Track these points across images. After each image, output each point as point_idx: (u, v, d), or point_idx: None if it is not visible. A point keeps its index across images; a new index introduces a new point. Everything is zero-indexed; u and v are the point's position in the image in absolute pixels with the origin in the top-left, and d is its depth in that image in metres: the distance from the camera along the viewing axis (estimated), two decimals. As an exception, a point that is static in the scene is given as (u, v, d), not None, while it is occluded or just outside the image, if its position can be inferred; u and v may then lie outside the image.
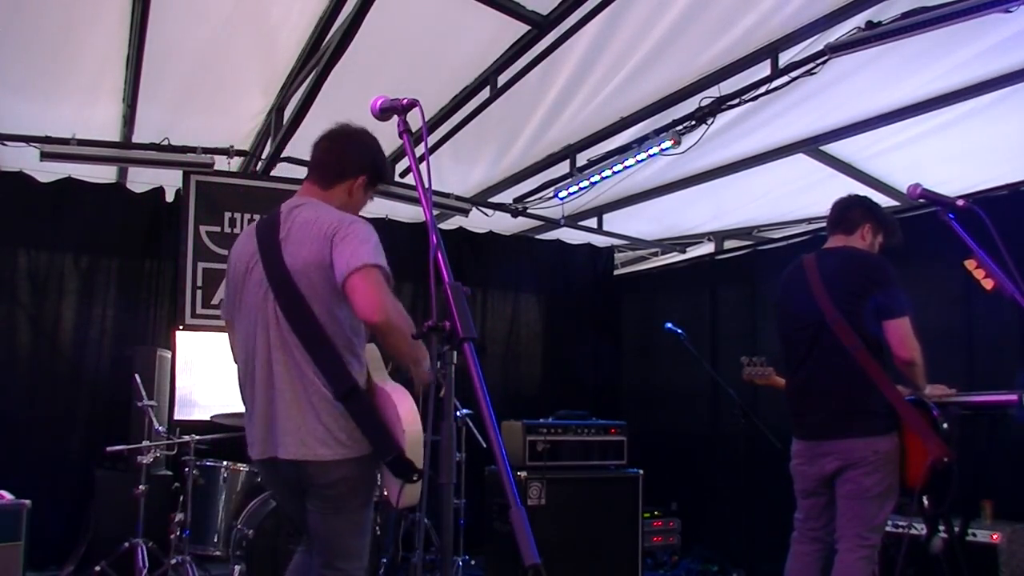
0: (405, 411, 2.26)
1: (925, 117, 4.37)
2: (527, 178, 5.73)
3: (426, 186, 1.82)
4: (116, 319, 5.57)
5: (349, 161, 2.51)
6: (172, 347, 5.18)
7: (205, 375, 5.01)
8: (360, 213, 2.62)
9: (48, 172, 5.24)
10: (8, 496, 3.87)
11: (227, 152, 5.11)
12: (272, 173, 5.37)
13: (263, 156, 5.19)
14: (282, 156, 5.07)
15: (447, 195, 5.87)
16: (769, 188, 5.65)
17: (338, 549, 2.38)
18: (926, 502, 3.19)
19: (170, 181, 5.53)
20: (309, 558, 2.51)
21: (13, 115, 4.61)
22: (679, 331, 5.10)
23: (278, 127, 4.68)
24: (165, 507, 4.50)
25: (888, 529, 3.26)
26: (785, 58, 3.97)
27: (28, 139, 4.70)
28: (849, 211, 3.35)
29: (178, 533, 4.26)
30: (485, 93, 4.37)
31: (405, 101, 1.94)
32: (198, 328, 5.17)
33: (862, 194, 3.55)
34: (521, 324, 7.15)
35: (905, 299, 3.08)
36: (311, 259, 2.29)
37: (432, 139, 4.80)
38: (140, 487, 4.29)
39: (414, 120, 1.93)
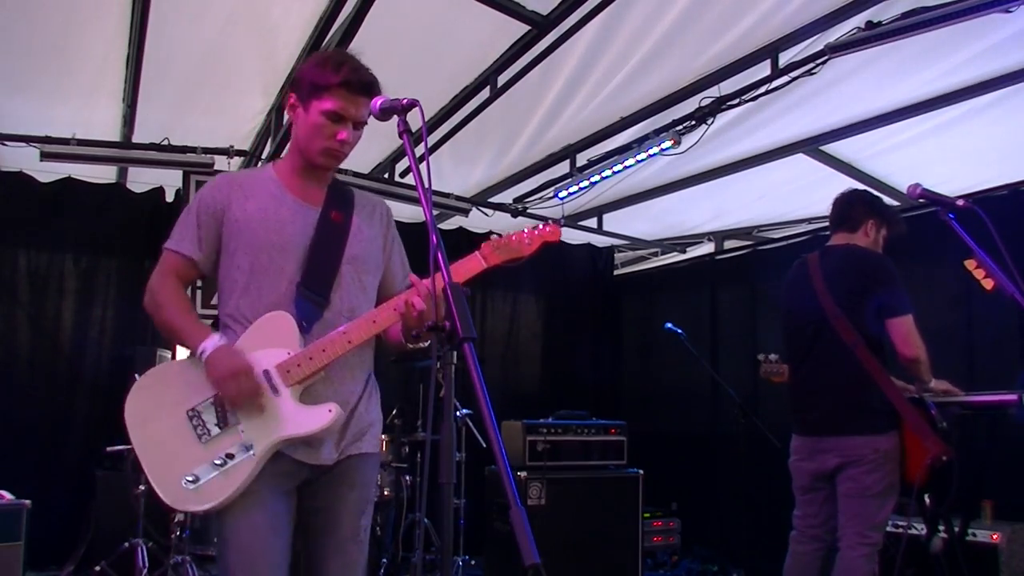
0: (136, 383, 2.09)
1: (925, 117, 4.37)
2: (527, 178, 5.73)
3: (426, 186, 1.82)
4: (116, 319, 5.57)
5: None
6: (172, 347, 5.17)
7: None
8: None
9: (48, 172, 5.24)
10: (8, 496, 3.87)
11: (227, 152, 5.11)
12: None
13: (263, 156, 5.19)
14: (282, 156, 5.07)
15: (447, 195, 5.87)
16: (769, 188, 5.65)
17: None
18: (928, 500, 3.20)
19: (170, 181, 5.53)
20: None
21: (13, 115, 4.61)
22: (679, 331, 5.11)
23: (278, 127, 4.68)
24: (165, 507, 4.49)
25: (888, 529, 3.26)
26: (785, 58, 3.97)
27: (28, 139, 4.70)
28: (851, 208, 3.35)
29: (178, 533, 4.26)
30: (485, 93, 4.37)
31: (405, 101, 1.94)
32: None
33: (861, 189, 3.55)
34: (521, 324, 7.16)
35: (907, 297, 3.09)
36: None
37: (432, 139, 4.80)
38: (140, 487, 4.29)
39: (414, 120, 1.93)
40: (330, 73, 2.09)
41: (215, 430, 2.01)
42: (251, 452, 1.99)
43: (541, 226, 2.28)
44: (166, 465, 1.98)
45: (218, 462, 1.98)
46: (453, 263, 2.07)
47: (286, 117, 4.54)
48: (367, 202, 2.30)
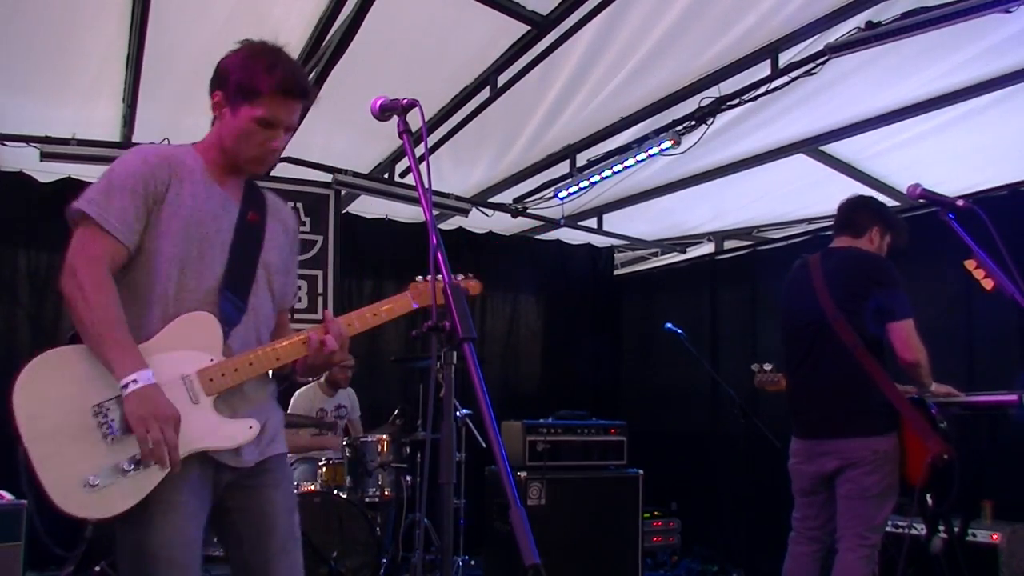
0: (33, 360, 1.83)
1: (925, 117, 4.37)
2: (527, 178, 5.73)
3: (426, 186, 1.82)
4: (116, 319, 5.55)
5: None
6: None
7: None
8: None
9: (48, 172, 5.24)
10: (8, 496, 3.87)
11: (227, 152, 5.11)
12: (272, 173, 5.37)
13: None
14: (282, 156, 5.07)
15: (447, 195, 5.87)
16: (769, 188, 5.65)
17: None
18: (929, 500, 3.20)
19: (170, 181, 5.52)
20: None
21: (13, 115, 4.61)
22: (679, 331, 5.11)
23: (278, 127, 4.68)
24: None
25: (888, 529, 3.27)
26: (785, 58, 3.97)
27: (28, 139, 4.70)
28: (857, 214, 3.35)
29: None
30: (485, 93, 4.37)
31: (405, 101, 1.93)
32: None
33: (868, 195, 3.55)
34: (521, 324, 7.16)
35: (908, 301, 3.09)
36: None
37: (432, 139, 4.80)
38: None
39: (414, 120, 1.93)
40: (262, 75, 1.93)
41: (121, 431, 1.79)
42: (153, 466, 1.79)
43: (466, 278, 2.38)
44: (63, 464, 1.73)
45: (126, 466, 1.78)
46: (384, 302, 2.18)
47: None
48: (278, 208, 2.18)
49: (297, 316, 5.28)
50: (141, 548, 1.83)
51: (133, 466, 1.79)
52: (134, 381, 1.76)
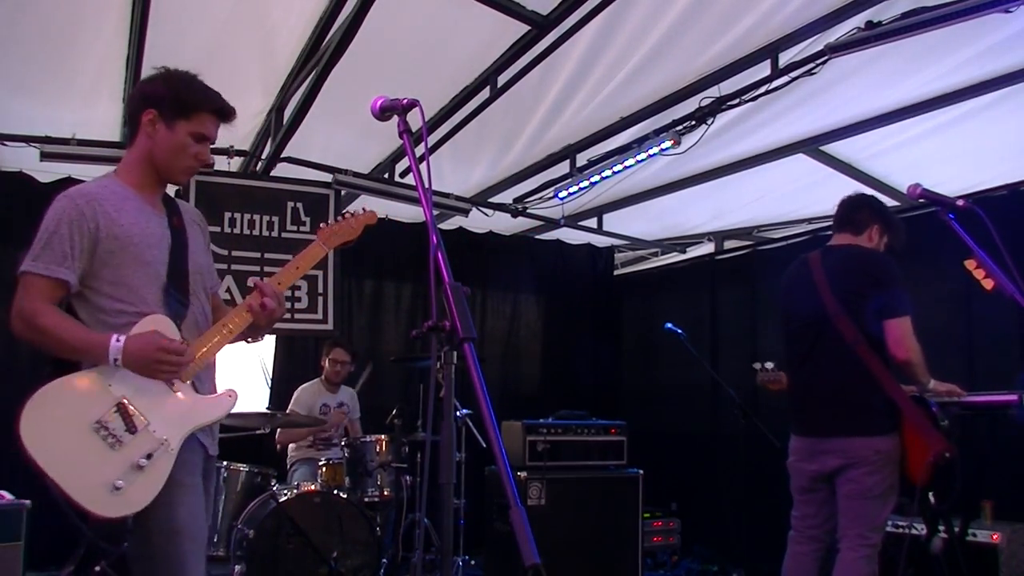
0: (27, 405, 2.04)
1: (925, 117, 4.37)
2: (527, 178, 5.73)
3: (426, 186, 1.82)
4: (116, 319, 5.56)
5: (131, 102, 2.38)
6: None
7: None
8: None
9: (48, 172, 5.23)
10: (8, 496, 3.87)
11: (227, 152, 5.11)
12: (272, 173, 5.37)
13: (263, 156, 5.19)
14: (282, 156, 5.07)
15: (447, 195, 5.87)
16: (769, 188, 5.65)
17: None
18: (932, 498, 3.20)
19: (170, 181, 5.53)
20: None
21: (13, 115, 4.61)
22: (679, 331, 5.11)
23: (278, 127, 4.68)
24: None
25: (888, 529, 3.26)
26: (785, 58, 3.97)
27: (28, 139, 4.70)
28: (858, 212, 3.35)
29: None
30: (485, 93, 4.37)
31: (405, 101, 1.94)
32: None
33: (870, 194, 3.55)
34: (521, 324, 7.16)
35: (907, 299, 3.08)
36: None
37: (432, 139, 4.80)
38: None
39: (414, 120, 1.93)
40: (199, 97, 2.24)
41: (126, 436, 2.06)
42: (167, 447, 2.09)
43: (361, 212, 2.61)
44: (84, 478, 1.99)
45: (141, 462, 2.04)
46: (300, 254, 2.46)
47: (286, 117, 4.58)
48: (187, 209, 2.44)
49: (297, 316, 5.30)
50: (169, 525, 2.08)
51: (146, 459, 2.05)
52: (117, 353, 2.06)
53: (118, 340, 2.06)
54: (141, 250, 2.20)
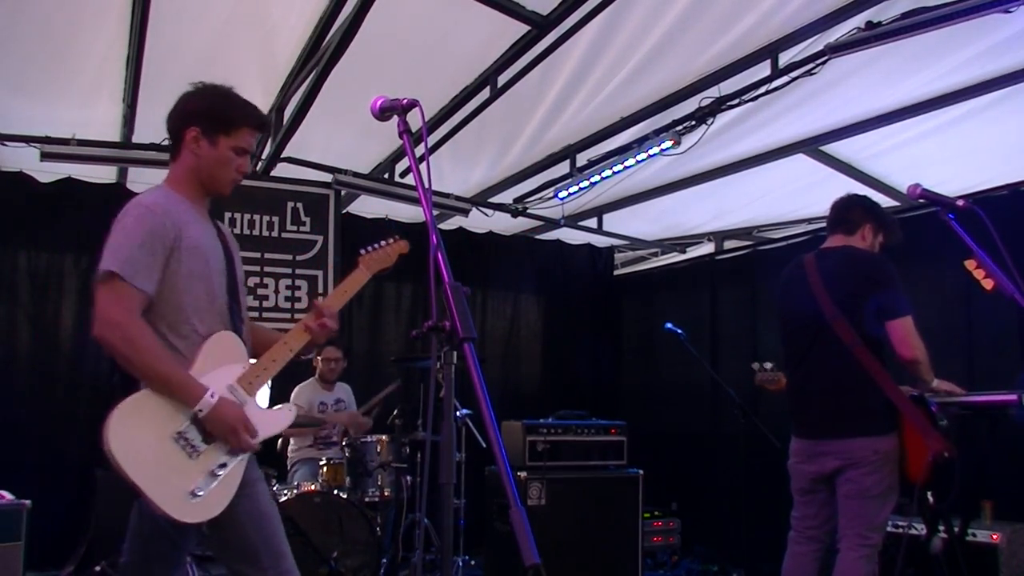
0: (112, 416, 2.07)
1: (925, 117, 4.37)
2: (527, 178, 5.73)
3: (426, 186, 1.82)
4: (116, 319, 5.56)
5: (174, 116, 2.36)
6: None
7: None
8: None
9: (48, 172, 5.24)
10: (8, 496, 3.87)
11: (227, 152, 5.11)
12: (272, 173, 5.37)
13: (263, 156, 5.19)
14: (282, 156, 5.07)
15: (447, 195, 5.87)
16: (769, 188, 5.66)
17: None
18: (931, 498, 3.19)
19: (170, 181, 5.53)
20: None
21: (13, 115, 4.61)
22: (679, 331, 5.11)
23: (278, 127, 4.68)
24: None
25: (888, 529, 3.26)
26: (785, 58, 3.97)
27: (28, 139, 4.70)
28: (849, 211, 3.35)
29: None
30: (485, 93, 4.37)
31: (405, 101, 1.94)
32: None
33: (862, 194, 3.55)
34: (521, 324, 7.16)
35: (906, 298, 3.08)
36: None
37: (432, 139, 4.80)
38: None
39: (414, 120, 1.93)
40: (239, 112, 2.31)
41: (202, 446, 2.15)
42: (239, 456, 2.20)
43: (394, 241, 2.70)
44: (166, 486, 2.08)
45: (217, 471, 2.15)
46: (346, 279, 2.57)
47: (286, 117, 4.58)
48: (221, 225, 2.47)
49: (298, 316, 5.29)
50: (257, 511, 2.22)
51: (222, 468, 2.16)
52: (205, 405, 2.13)
53: (212, 396, 2.14)
54: (210, 263, 2.26)
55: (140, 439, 2.08)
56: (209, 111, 2.29)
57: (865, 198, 3.46)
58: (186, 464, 2.12)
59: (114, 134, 4.93)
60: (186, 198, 2.30)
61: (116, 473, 2.04)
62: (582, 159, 5.33)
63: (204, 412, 2.13)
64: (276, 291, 5.38)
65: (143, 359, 2.11)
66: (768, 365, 3.62)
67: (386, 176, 5.52)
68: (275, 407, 2.39)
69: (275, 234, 5.37)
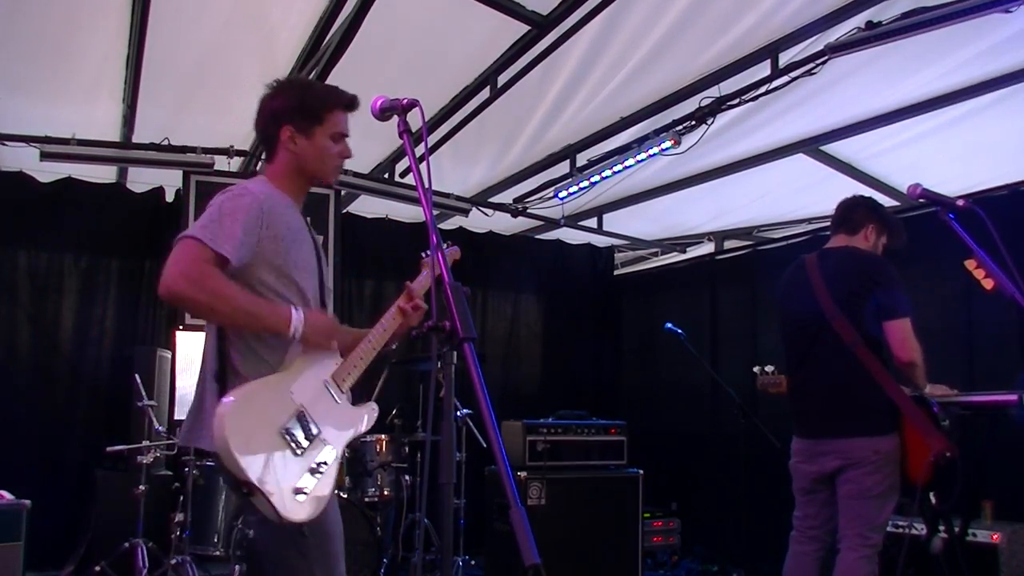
0: (223, 409, 1.98)
1: (925, 117, 4.37)
2: (527, 178, 5.73)
3: (426, 186, 1.82)
4: (116, 319, 5.57)
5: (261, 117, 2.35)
6: (172, 347, 5.18)
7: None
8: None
9: (48, 172, 5.24)
10: (8, 496, 3.87)
11: (227, 152, 5.11)
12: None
13: (263, 156, 5.19)
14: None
15: (447, 195, 5.87)
16: (769, 188, 5.66)
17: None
18: (933, 498, 3.19)
19: (170, 181, 5.53)
20: None
21: (13, 115, 4.61)
22: (679, 331, 5.10)
23: (278, 127, 4.68)
24: (165, 507, 4.50)
25: (888, 529, 3.26)
26: (785, 58, 3.97)
27: (28, 139, 4.70)
28: (853, 211, 3.35)
29: (178, 533, 4.26)
30: (485, 93, 4.37)
31: (405, 101, 1.94)
32: (198, 328, 5.16)
33: (867, 195, 3.55)
34: (521, 324, 7.16)
35: (906, 300, 3.08)
36: None
37: (432, 139, 4.80)
38: (140, 487, 4.29)
39: (414, 120, 1.93)
40: (325, 98, 2.26)
41: (305, 443, 2.09)
42: (335, 454, 2.15)
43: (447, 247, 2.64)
44: (278, 482, 2.00)
45: (321, 471, 2.08)
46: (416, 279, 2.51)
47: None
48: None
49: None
50: (322, 529, 2.11)
51: (323, 466, 2.10)
52: (299, 323, 2.08)
53: (298, 311, 2.09)
54: (310, 262, 2.26)
55: (255, 435, 2.00)
56: (297, 106, 2.25)
57: (870, 199, 3.46)
58: (293, 461, 2.04)
59: (114, 134, 4.93)
60: (288, 194, 2.28)
61: (227, 471, 1.96)
62: (582, 159, 5.33)
63: (300, 328, 2.07)
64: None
65: (225, 298, 2.02)
66: (769, 368, 3.62)
67: (386, 176, 5.52)
68: (359, 405, 2.31)
69: (275, 234, 5.36)
